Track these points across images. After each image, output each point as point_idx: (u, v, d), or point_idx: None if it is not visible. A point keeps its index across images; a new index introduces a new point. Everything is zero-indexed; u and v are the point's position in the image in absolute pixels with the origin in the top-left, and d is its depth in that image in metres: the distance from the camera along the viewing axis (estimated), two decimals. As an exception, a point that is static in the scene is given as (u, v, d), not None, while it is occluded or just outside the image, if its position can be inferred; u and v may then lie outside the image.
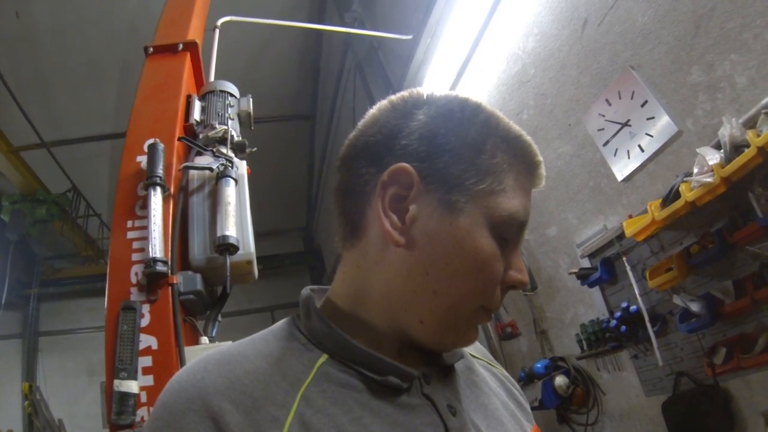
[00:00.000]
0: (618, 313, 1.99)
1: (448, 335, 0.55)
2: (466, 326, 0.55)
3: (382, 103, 0.59)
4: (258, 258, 1.56)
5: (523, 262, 0.57)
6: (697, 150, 1.48)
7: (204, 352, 0.53)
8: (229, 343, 0.59)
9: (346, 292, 0.57)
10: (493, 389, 0.64)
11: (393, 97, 0.58)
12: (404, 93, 0.58)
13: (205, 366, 0.50)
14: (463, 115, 0.55)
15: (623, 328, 1.96)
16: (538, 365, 2.48)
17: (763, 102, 1.36)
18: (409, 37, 3.06)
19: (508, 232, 0.54)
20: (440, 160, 0.53)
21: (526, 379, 2.55)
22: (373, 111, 0.59)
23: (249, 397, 0.47)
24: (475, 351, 0.69)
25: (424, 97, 0.57)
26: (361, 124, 0.59)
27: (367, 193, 0.55)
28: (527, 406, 0.68)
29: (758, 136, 1.29)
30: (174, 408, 0.47)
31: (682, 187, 1.51)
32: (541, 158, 0.58)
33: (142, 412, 1.20)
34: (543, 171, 0.58)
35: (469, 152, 0.53)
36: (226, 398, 0.46)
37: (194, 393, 0.47)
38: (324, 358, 0.52)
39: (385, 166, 0.53)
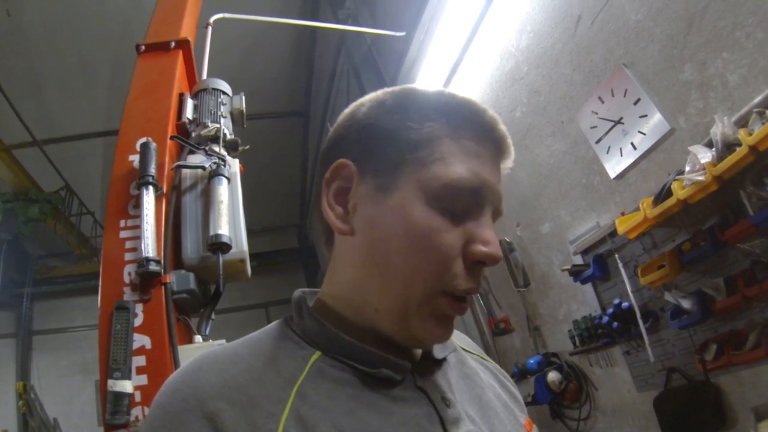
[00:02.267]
0: (610, 310, 2.01)
1: (404, 325, 0.52)
2: (421, 315, 0.51)
3: (344, 112, 0.61)
4: (252, 255, 1.56)
5: (494, 234, 0.52)
6: (689, 148, 1.49)
7: (198, 351, 0.53)
8: (223, 341, 0.59)
9: (329, 291, 0.59)
10: (486, 381, 0.64)
11: (352, 104, 0.61)
12: (362, 98, 0.60)
13: (199, 366, 0.50)
14: (393, 101, 0.56)
15: (615, 324, 1.97)
16: (531, 361, 2.50)
17: (755, 100, 1.37)
18: (402, 33, 3.06)
19: (455, 202, 0.51)
20: (371, 147, 0.55)
21: (519, 375, 2.56)
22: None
23: (244, 395, 0.47)
24: (467, 345, 0.70)
25: (370, 97, 0.59)
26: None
27: None
28: (520, 398, 0.69)
29: (750, 134, 1.30)
30: (170, 408, 0.47)
31: (674, 185, 1.52)
32: (493, 116, 0.55)
33: (136, 412, 1.20)
34: (501, 131, 0.56)
35: (396, 131, 0.54)
36: (222, 397, 0.47)
37: (189, 393, 0.47)
38: (317, 355, 0.53)
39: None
